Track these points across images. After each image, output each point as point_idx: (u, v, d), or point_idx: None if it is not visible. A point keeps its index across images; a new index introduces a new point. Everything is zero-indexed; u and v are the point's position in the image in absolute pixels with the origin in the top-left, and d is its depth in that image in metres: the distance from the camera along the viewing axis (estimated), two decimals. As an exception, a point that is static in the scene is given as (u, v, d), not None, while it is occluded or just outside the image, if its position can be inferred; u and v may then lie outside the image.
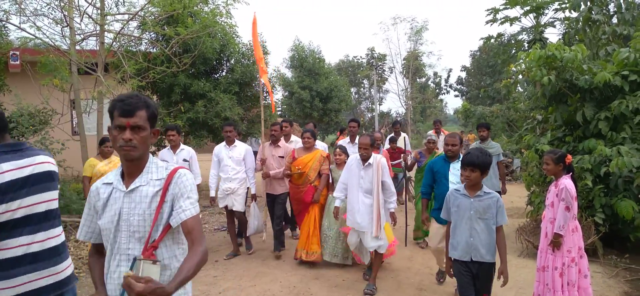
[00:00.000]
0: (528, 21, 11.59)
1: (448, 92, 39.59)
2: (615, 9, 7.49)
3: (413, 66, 32.63)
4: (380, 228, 4.89)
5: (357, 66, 36.76)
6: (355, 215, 4.99)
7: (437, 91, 38.86)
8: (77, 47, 8.64)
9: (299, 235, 6.10)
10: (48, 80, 8.00)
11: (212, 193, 6.41)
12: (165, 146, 6.91)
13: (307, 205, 5.94)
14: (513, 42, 12.62)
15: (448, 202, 3.65)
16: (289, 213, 7.25)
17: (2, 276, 2.13)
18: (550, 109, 6.92)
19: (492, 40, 12.72)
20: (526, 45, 11.64)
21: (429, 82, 37.98)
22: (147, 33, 10.15)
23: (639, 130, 5.87)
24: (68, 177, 9.46)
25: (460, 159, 3.98)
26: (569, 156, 4.21)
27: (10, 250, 2.14)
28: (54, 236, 2.34)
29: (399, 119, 25.23)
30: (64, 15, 8.29)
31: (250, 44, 11.53)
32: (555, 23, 11.51)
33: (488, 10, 11.22)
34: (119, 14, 9.19)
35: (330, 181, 6.02)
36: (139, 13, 9.04)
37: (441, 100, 39.82)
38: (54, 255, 2.33)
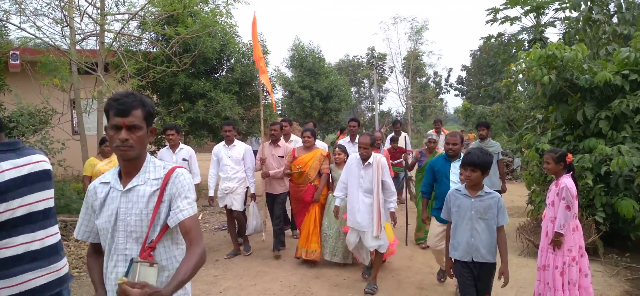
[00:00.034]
0: (528, 21, 11.60)
1: (448, 91, 39.61)
2: (616, 8, 7.49)
3: (413, 66, 32.63)
4: (380, 228, 4.87)
5: (357, 66, 36.76)
6: (356, 215, 4.98)
7: (438, 90, 38.86)
8: (77, 47, 8.64)
9: (299, 234, 6.10)
10: (48, 80, 8.01)
11: (211, 193, 6.41)
12: (165, 145, 6.90)
13: (307, 204, 5.94)
14: (513, 41, 12.63)
15: (448, 202, 3.63)
16: (289, 215, 7.24)
17: (5, 275, 2.13)
18: (550, 109, 6.92)
19: (493, 40, 12.72)
20: (526, 44, 11.64)
21: (429, 82, 37.98)
22: (147, 33, 10.15)
23: (640, 129, 5.87)
24: (68, 176, 9.46)
25: (461, 158, 3.98)
26: (570, 155, 4.21)
27: (12, 249, 2.14)
28: (53, 234, 2.35)
29: (399, 118, 25.22)
30: (64, 15, 8.29)
31: (250, 43, 11.53)
32: (555, 23, 11.52)
33: (488, 9, 11.22)
34: (119, 13, 9.19)
35: (330, 180, 6.02)
36: (139, 13, 9.04)
37: (441, 99, 39.81)
38: (53, 253, 2.33)
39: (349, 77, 33.61)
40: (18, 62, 9.39)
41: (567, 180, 4.08)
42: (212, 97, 10.55)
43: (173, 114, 10.34)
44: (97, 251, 2.13)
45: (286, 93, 23.25)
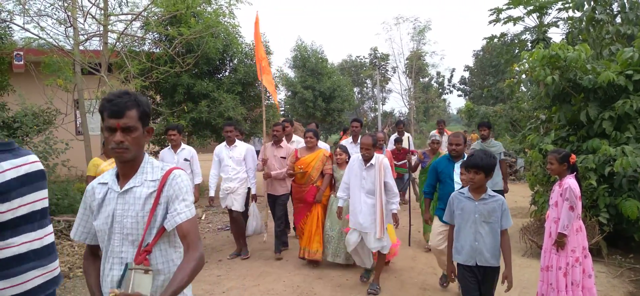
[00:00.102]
0: (531, 21, 11.56)
1: (451, 92, 39.58)
2: (619, 8, 7.46)
3: (416, 66, 32.63)
4: (383, 229, 4.84)
5: (360, 66, 36.77)
6: (358, 216, 4.95)
7: (440, 90, 38.84)
8: (81, 48, 8.67)
9: (298, 234, 6.09)
10: (52, 80, 8.04)
11: (212, 193, 6.42)
12: (168, 146, 6.92)
13: (309, 205, 5.91)
14: (516, 41, 12.58)
15: (451, 205, 3.57)
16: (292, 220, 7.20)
17: (9, 274, 2.15)
18: (553, 109, 6.90)
19: (495, 40, 12.68)
20: (529, 45, 11.60)
21: (432, 82, 37.97)
22: (150, 33, 10.17)
23: (644, 130, 5.85)
24: (72, 176, 9.50)
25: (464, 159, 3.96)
26: (573, 156, 4.20)
27: (15, 248, 2.16)
28: (50, 233, 2.38)
29: (402, 119, 25.21)
30: (68, 15, 8.32)
31: (253, 43, 11.55)
32: (558, 23, 11.47)
33: (491, 10, 11.18)
34: (123, 14, 9.22)
35: (332, 181, 6.01)
36: (142, 13, 9.07)
37: (444, 100, 39.78)
38: (51, 252, 2.36)
39: (351, 78, 33.60)
40: (22, 62, 9.44)
41: (570, 181, 4.07)
42: (215, 97, 10.57)
43: (176, 114, 10.37)
44: (93, 253, 2.09)
45: (289, 93, 23.27)
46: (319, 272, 5.67)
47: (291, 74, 23.54)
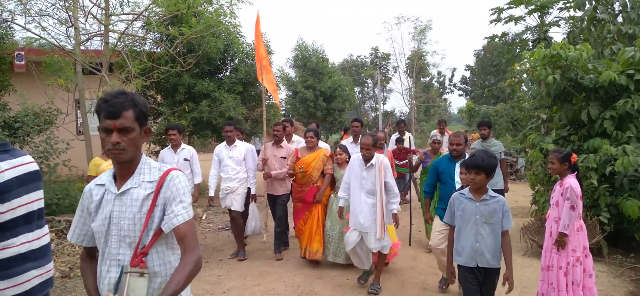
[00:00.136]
0: (532, 20, 11.53)
1: (452, 91, 39.52)
2: (621, 7, 7.45)
3: (417, 66, 32.60)
4: (384, 230, 4.81)
5: (361, 66, 36.75)
6: (358, 216, 4.92)
7: (441, 90, 38.79)
8: (82, 47, 8.69)
9: (297, 233, 6.07)
10: (53, 80, 8.06)
11: (211, 193, 6.41)
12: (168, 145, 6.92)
13: (309, 205, 5.90)
14: (517, 41, 12.55)
15: (452, 206, 3.53)
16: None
17: (9, 274, 2.16)
18: (554, 108, 6.89)
19: (497, 40, 12.66)
20: (531, 44, 11.58)
21: (433, 82, 37.94)
22: (151, 33, 10.19)
23: (645, 129, 5.84)
24: (73, 176, 9.51)
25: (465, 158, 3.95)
26: (574, 155, 4.19)
27: (15, 248, 2.17)
28: (46, 234, 2.38)
29: (403, 118, 25.19)
30: (69, 15, 8.34)
31: (254, 43, 11.56)
32: (559, 22, 11.44)
33: (492, 9, 11.15)
34: (124, 14, 9.23)
35: (332, 180, 5.99)
36: (144, 13, 9.08)
37: (445, 99, 39.73)
38: (47, 252, 2.37)
39: (352, 77, 33.61)
40: (23, 62, 9.46)
41: (571, 180, 4.06)
42: (216, 97, 10.57)
43: (177, 114, 10.38)
44: (90, 255, 2.06)
45: (290, 93, 23.28)
46: (319, 272, 5.67)
47: (292, 73, 23.55)
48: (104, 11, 8.55)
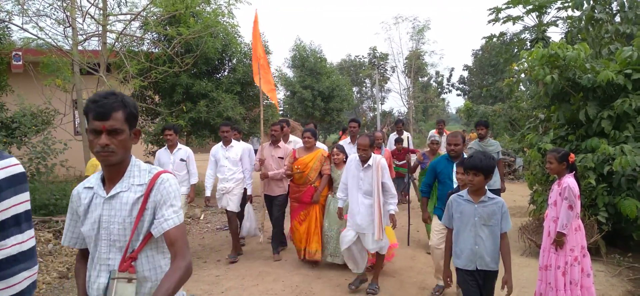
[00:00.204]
0: (530, 20, 11.55)
1: (450, 91, 39.63)
2: (618, 7, 7.46)
3: (415, 65, 32.65)
4: (381, 231, 4.75)
5: (359, 66, 36.79)
6: (356, 217, 4.86)
7: (439, 90, 38.87)
8: (80, 48, 8.67)
9: (294, 235, 6.03)
10: (50, 80, 8.04)
11: (208, 193, 6.40)
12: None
13: (306, 205, 5.86)
14: (515, 41, 12.58)
15: (450, 208, 3.47)
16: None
17: (5, 275, 2.15)
18: (552, 108, 6.90)
19: (495, 39, 12.68)
20: (529, 44, 11.60)
21: (431, 82, 38.01)
22: (149, 33, 10.17)
23: (642, 129, 5.85)
24: (70, 177, 9.49)
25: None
26: (572, 155, 4.20)
27: (7, 250, 2.16)
28: (33, 236, 2.37)
29: (401, 117, 25.22)
30: (67, 15, 8.32)
31: (251, 43, 11.56)
32: (557, 22, 11.46)
33: (490, 9, 11.17)
34: (121, 14, 9.22)
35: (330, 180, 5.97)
36: (141, 13, 9.06)
37: (443, 99, 39.82)
38: (35, 254, 2.36)
39: (350, 77, 33.64)
40: (20, 62, 9.43)
41: (569, 180, 4.07)
42: (214, 97, 10.56)
43: (175, 114, 10.36)
44: (85, 256, 2.02)
45: (288, 93, 23.29)
46: (317, 272, 5.66)
47: (290, 73, 23.56)
48: (101, 11, 8.54)
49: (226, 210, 6.26)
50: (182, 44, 9.64)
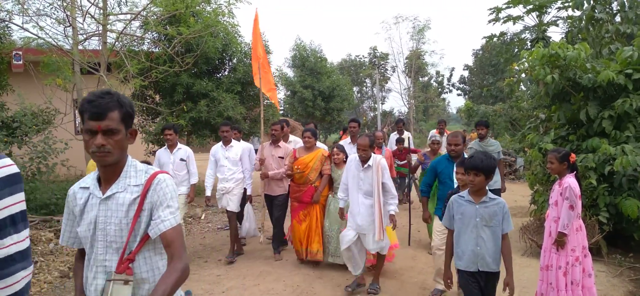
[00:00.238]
0: (531, 20, 11.55)
1: (451, 91, 39.55)
2: (619, 7, 7.46)
3: (415, 65, 32.63)
4: (382, 231, 4.73)
5: (359, 65, 36.75)
6: (356, 217, 4.83)
7: (440, 90, 38.81)
8: (80, 47, 8.67)
9: (293, 235, 6.02)
10: (51, 80, 8.04)
11: (208, 192, 6.40)
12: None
13: (306, 205, 5.85)
14: (516, 40, 12.58)
15: (451, 209, 3.44)
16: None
17: (3, 274, 2.16)
18: (553, 108, 6.90)
19: (495, 39, 12.68)
20: (529, 44, 11.60)
21: (432, 81, 37.95)
22: (149, 33, 10.17)
23: (643, 129, 5.85)
24: (71, 176, 9.48)
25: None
26: (573, 155, 4.20)
27: (5, 249, 2.17)
28: (28, 236, 2.37)
29: (401, 117, 25.21)
30: (67, 15, 8.32)
31: (252, 42, 11.55)
32: (558, 22, 11.46)
33: (490, 9, 11.17)
34: (122, 13, 9.22)
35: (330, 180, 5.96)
36: (142, 13, 9.06)
37: (444, 99, 39.76)
38: (30, 253, 2.36)
39: (351, 77, 33.60)
40: (21, 62, 9.43)
41: (570, 180, 4.07)
42: (214, 97, 10.56)
43: (175, 114, 10.36)
44: (84, 256, 1.99)
45: (288, 93, 23.28)
46: (319, 272, 5.66)
47: (290, 73, 23.55)
48: (101, 11, 8.54)
49: (226, 210, 6.26)
50: (183, 44, 9.64)
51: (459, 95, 39.33)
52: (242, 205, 6.33)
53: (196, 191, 6.62)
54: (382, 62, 35.46)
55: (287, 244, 6.61)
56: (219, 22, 10.06)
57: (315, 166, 5.81)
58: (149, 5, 9.01)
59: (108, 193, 1.82)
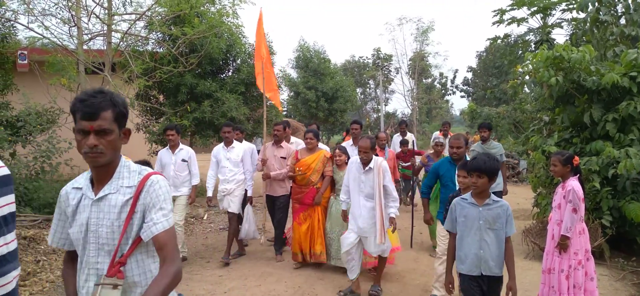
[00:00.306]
0: (535, 22, 11.54)
1: (454, 93, 39.44)
2: (624, 10, 7.44)
3: (419, 67, 32.58)
4: (384, 234, 4.69)
5: (363, 67, 36.75)
6: (358, 220, 4.79)
7: (443, 91, 38.73)
8: (85, 47, 8.71)
9: (293, 237, 5.99)
10: (55, 79, 8.08)
11: (209, 193, 6.41)
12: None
13: (307, 207, 5.84)
14: (520, 42, 12.57)
15: (453, 212, 3.37)
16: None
17: None
18: (557, 110, 6.88)
19: (499, 41, 12.68)
20: (533, 46, 11.58)
21: (435, 83, 37.89)
22: (154, 33, 10.21)
23: (647, 132, 5.83)
24: (75, 176, 9.44)
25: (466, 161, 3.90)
26: (577, 158, 4.18)
27: None
28: (15, 237, 2.37)
29: (404, 119, 25.20)
30: (72, 15, 8.36)
31: (255, 42, 11.57)
32: (562, 24, 11.46)
33: (495, 11, 11.18)
34: (126, 14, 9.25)
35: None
36: (146, 13, 9.10)
37: (447, 101, 39.67)
38: (17, 255, 2.36)
39: (354, 78, 33.60)
40: (26, 62, 9.48)
41: (573, 183, 4.05)
42: (218, 97, 10.58)
43: (179, 114, 10.39)
44: (73, 259, 1.94)
45: (291, 94, 23.31)
46: (320, 273, 5.66)
47: (294, 74, 23.57)
48: (106, 11, 8.57)
49: (227, 211, 6.26)
50: (187, 44, 9.67)
51: (462, 97, 39.27)
52: (242, 207, 6.32)
53: (198, 191, 6.62)
54: (385, 64, 35.44)
55: (285, 243, 6.59)
56: (223, 22, 10.09)
57: (317, 168, 5.80)
58: (153, 6, 9.04)
59: (100, 194, 1.78)
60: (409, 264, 6.05)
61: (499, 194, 5.81)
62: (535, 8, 10.87)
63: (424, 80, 35.39)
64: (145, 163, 2.90)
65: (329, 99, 22.13)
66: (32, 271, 5.33)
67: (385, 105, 36.81)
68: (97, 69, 8.38)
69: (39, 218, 6.95)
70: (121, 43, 9.15)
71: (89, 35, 8.91)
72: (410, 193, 9.03)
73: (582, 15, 7.98)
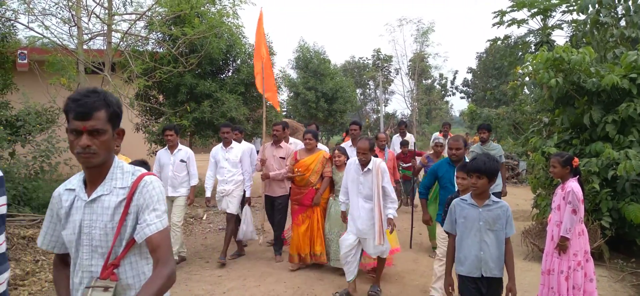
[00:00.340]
0: (535, 23, 11.54)
1: (454, 94, 39.44)
2: (624, 11, 7.44)
3: (419, 68, 32.58)
4: (383, 236, 4.67)
5: (362, 67, 36.75)
6: (356, 221, 4.77)
7: (443, 92, 38.73)
8: (85, 47, 8.70)
9: (292, 238, 5.98)
10: (55, 79, 8.07)
11: (208, 194, 6.39)
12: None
13: (306, 207, 5.83)
14: (520, 44, 12.56)
15: (453, 213, 3.34)
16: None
17: None
18: (557, 112, 6.88)
19: (499, 42, 12.67)
20: (533, 47, 11.58)
21: (435, 84, 37.89)
22: (154, 33, 10.20)
23: (647, 133, 5.83)
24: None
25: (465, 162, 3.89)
26: (576, 159, 4.18)
27: None
28: (5, 240, 2.36)
29: (404, 119, 25.19)
30: (72, 14, 8.35)
31: (255, 42, 11.57)
32: (562, 25, 11.45)
33: (495, 12, 11.17)
34: (127, 14, 9.25)
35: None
36: (147, 13, 9.10)
37: (447, 102, 39.68)
38: (6, 259, 2.34)
39: (354, 79, 33.60)
40: (26, 61, 9.49)
41: (573, 184, 4.05)
42: (218, 97, 10.58)
43: (179, 114, 10.39)
44: (64, 262, 1.93)
45: (291, 94, 23.31)
46: (320, 274, 5.66)
47: (294, 75, 23.57)
48: (107, 11, 8.57)
49: (226, 212, 6.25)
50: (187, 44, 9.67)
51: (462, 98, 39.29)
52: (241, 207, 6.31)
53: (197, 191, 6.61)
54: (385, 65, 35.45)
55: (283, 244, 6.59)
56: (224, 23, 10.09)
57: (316, 168, 5.79)
58: (154, 6, 9.04)
59: (93, 195, 1.76)
60: (409, 265, 6.05)
61: (498, 195, 5.80)
62: (535, 10, 10.87)
63: (423, 81, 35.39)
64: (143, 163, 2.89)
65: (329, 99, 22.14)
66: (31, 270, 5.33)
67: (385, 106, 36.83)
68: (97, 69, 8.38)
69: (38, 217, 6.94)
70: (121, 43, 9.15)
71: (89, 35, 8.91)
72: (410, 194, 9.02)
73: (582, 17, 8.00)
